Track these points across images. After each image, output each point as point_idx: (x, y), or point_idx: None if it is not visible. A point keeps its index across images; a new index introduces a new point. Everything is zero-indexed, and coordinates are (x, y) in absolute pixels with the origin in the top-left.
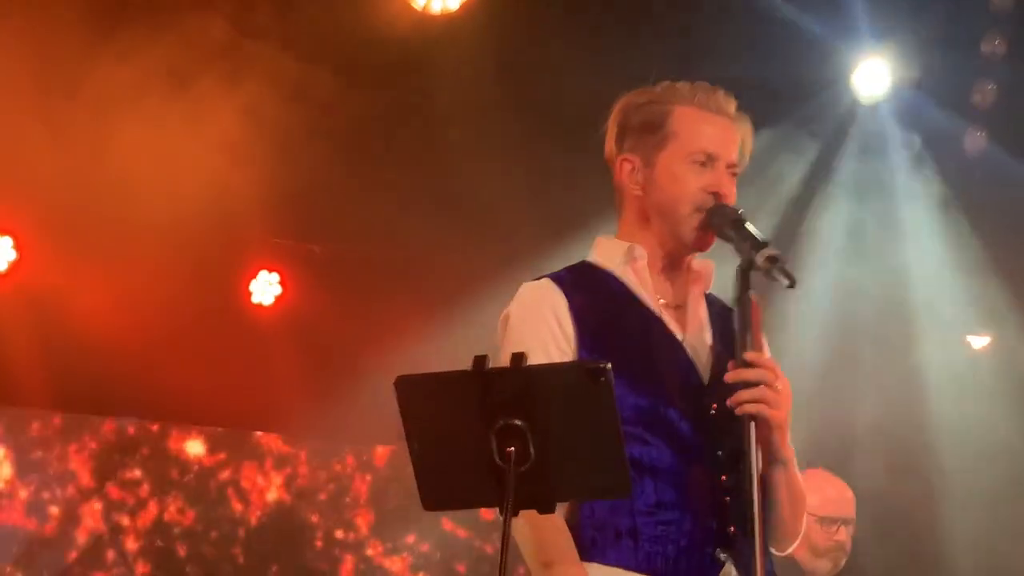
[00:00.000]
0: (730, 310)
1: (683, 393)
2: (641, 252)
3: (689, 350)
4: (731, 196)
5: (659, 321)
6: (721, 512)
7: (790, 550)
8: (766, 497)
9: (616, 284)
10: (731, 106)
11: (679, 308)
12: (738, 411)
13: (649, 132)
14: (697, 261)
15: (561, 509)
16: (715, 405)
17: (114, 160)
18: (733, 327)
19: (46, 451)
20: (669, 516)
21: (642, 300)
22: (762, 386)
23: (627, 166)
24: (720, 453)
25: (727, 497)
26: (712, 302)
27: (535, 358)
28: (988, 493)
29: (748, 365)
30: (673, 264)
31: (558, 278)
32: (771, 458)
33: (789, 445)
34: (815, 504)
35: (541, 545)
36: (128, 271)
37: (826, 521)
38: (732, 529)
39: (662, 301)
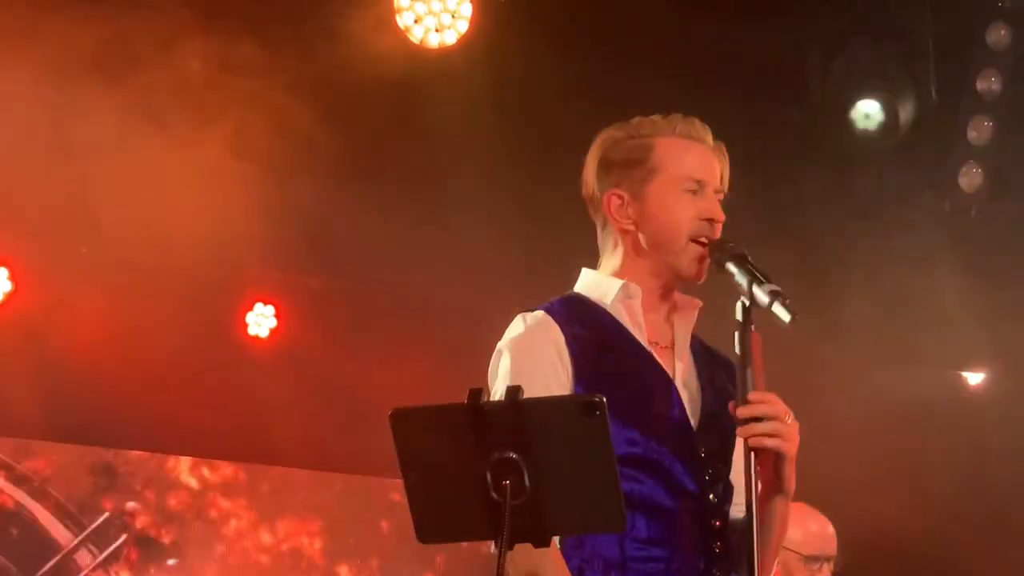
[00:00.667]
0: (715, 353)
1: (675, 434)
2: (636, 290)
3: (680, 390)
4: (722, 220)
5: (652, 360)
6: (709, 555)
7: None
8: (760, 533)
9: (609, 320)
10: (708, 135)
11: (668, 348)
12: (753, 443)
13: (634, 167)
14: (683, 298)
15: None
16: (703, 448)
17: (110, 191)
18: (721, 368)
19: (39, 481)
20: (658, 552)
21: (635, 338)
22: (776, 421)
23: (616, 201)
24: (712, 497)
25: (717, 540)
26: (696, 340)
27: (534, 391)
28: (979, 530)
29: (752, 402)
30: (663, 299)
31: (552, 310)
32: (777, 492)
33: (793, 481)
34: (798, 541)
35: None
36: (124, 302)
37: (810, 560)
38: (717, 573)
39: (652, 340)
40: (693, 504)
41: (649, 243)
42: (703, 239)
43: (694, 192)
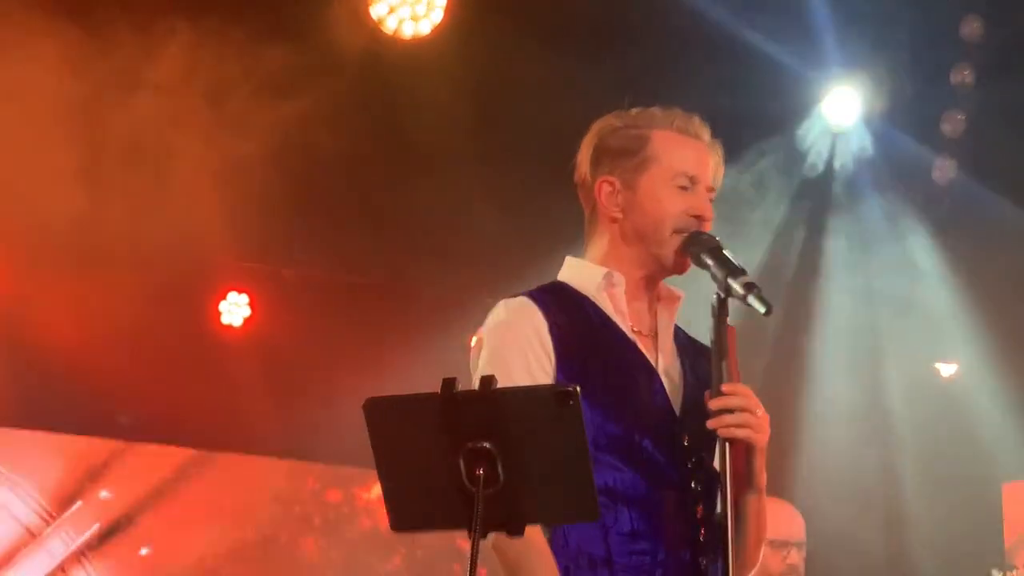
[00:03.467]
0: (695, 341)
1: (657, 422)
2: (619, 279)
3: (663, 379)
4: (711, 219)
5: (635, 349)
6: (694, 545)
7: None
8: (737, 524)
9: (592, 308)
10: (706, 133)
11: (651, 337)
12: (723, 433)
13: (628, 156)
14: (666, 288)
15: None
16: (687, 436)
17: (83, 180)
18: (703, 357)
19: (13, 469)
20: (643, 546)
21: (618, 326)
22: (746, 412)
23: (607, 188)
24: (695, 485)
25: (702, 529)
26: (677, 332)
27: (518, 378)
28: (952, 520)
29: (726, 393)
30: (647, 289)
31: (535, 297)
32: (749, 484)
33: (764, 473)
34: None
35: (524, 569)
36: (97, 291)
37: (778, 545)
38: (704, 562)
39: (635, 328)
40: (676, 493)
41: (635, 233)
42: (686, 232)
43: (685, 188)
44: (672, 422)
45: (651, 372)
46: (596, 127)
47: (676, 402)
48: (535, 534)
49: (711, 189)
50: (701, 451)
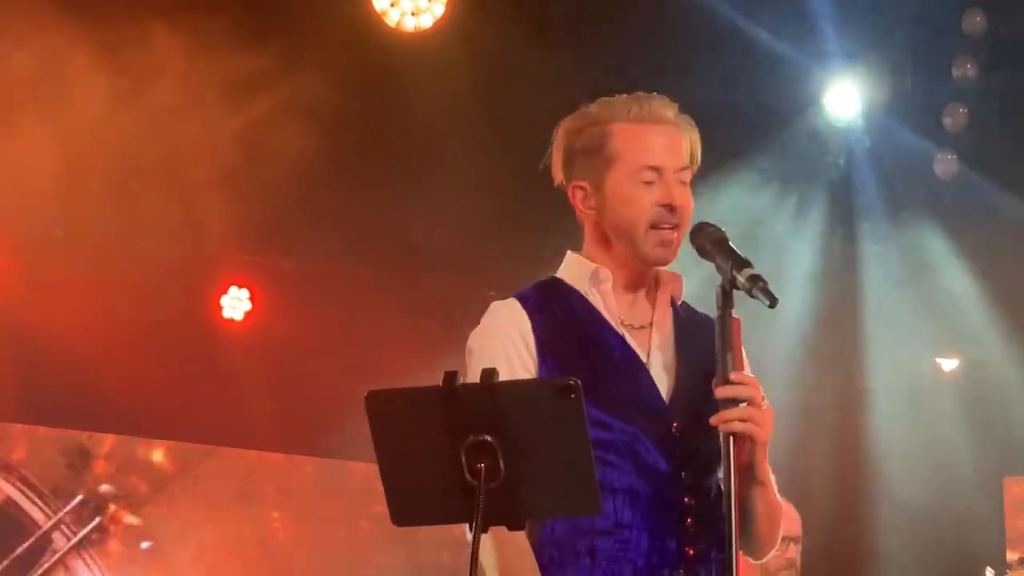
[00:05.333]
0: (702, 320)
1: (645, 415)
2: (606, 275)
3: (652, 370)
4: (686, 203)
5: (622, 343)
6: (682, 534)
7: (765, 559)
8: (743, 516)
9: (582, 303)
10: (670, 111)
11: (643, 328)
12: (723, 428)
13: (592, 155)
14: (665, 272)
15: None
16: (675, 424)
17: (84, 176)
18: (703, 340)
19: (14, 463)
20: (627, 536)
21: (607, 322)
22: (750, 405)
23: (579, 193)
24: (684, 475)
25: (689, 519)
26: (679, 313)
27: (500, 376)
28: (953, 514)
29: (732, 383)
30: (638, 282)
31: (523, 297)
32: (751, 478)
33: (768, 466)
34: None
35: (505, 567)
36: (99, 285)
37: None
38: (691, 551)
39: (626, 322)
40: (663, 483)
41: (614, 232)
42: (664, 225)
43: (651, 182)
44: (660, 412)
45: (640, 365)
46: (560, 131)
47: (666, 391)
48: (517, 534)
49: (683, 169)
50: (692, 440)
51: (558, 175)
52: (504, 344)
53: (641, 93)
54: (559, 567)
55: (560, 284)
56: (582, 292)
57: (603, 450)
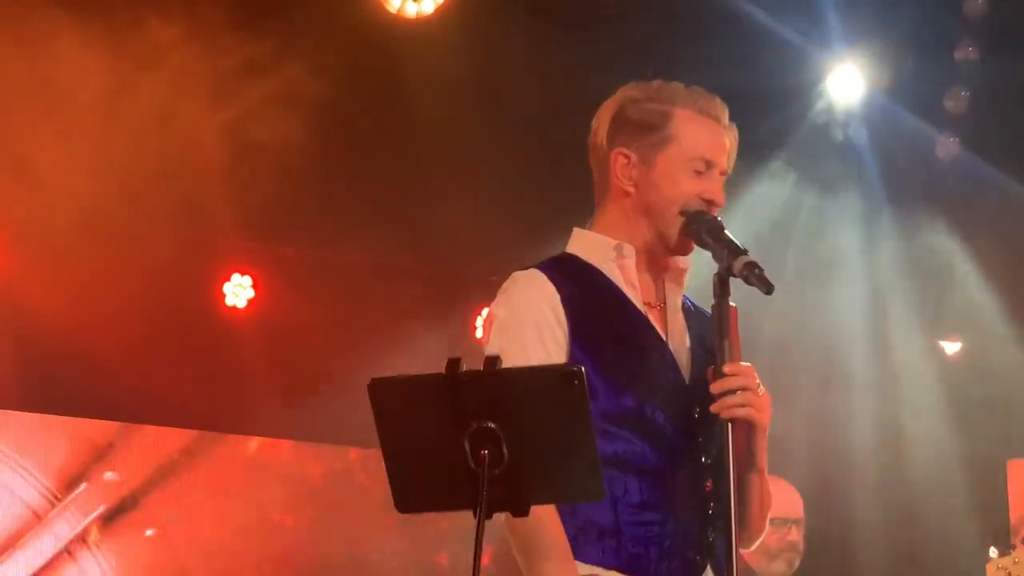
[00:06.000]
0: (703, 312)
1: (668, 395)
2: (630, 250)
3: (672, 351)
4: (722, 204)
5: (646, 321)
6: (703, 517)
7: (753, 547)
8: (740, 500)
9: (603, 280)
10: (725, 115)
11: (660, 308)
12: (724, 414)
13: (648, 131)
14: (673, 259)
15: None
16: (698, 409)
17: (86, 163)
18: (710, 330)
19: (18, 452)
20: (652, 517)
21: (629, 299)
22: (747, 391)
23: (622, 160)
24: (705, 459)
25: (711, 502)
26: (684, 302)
27: (532, 351)
28: (956, 497)
29: (727, 374)
30: (654, 261)
31: (546, 268)
32: (750, 464)
33: (765, 453)
34: None
35: (535, 546)
36: (102, 273)
37: (777, 523)
38: (712, 536)
39: (646, 301)
40: (686, 466)
41: (645, 208)
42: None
43: (701, 172)
44: (683, 394)
45: (662, 344)
46: (618, 96)
47: (687, 374)
48: (546, 512)
49: (724, 173)
50: (711, 424)
51: (599, 136)
52: (534, 315)
53: (701, 88)
54: (582, 546)
55: (575, 259)
56: (601, 267)
57: (627, 428)
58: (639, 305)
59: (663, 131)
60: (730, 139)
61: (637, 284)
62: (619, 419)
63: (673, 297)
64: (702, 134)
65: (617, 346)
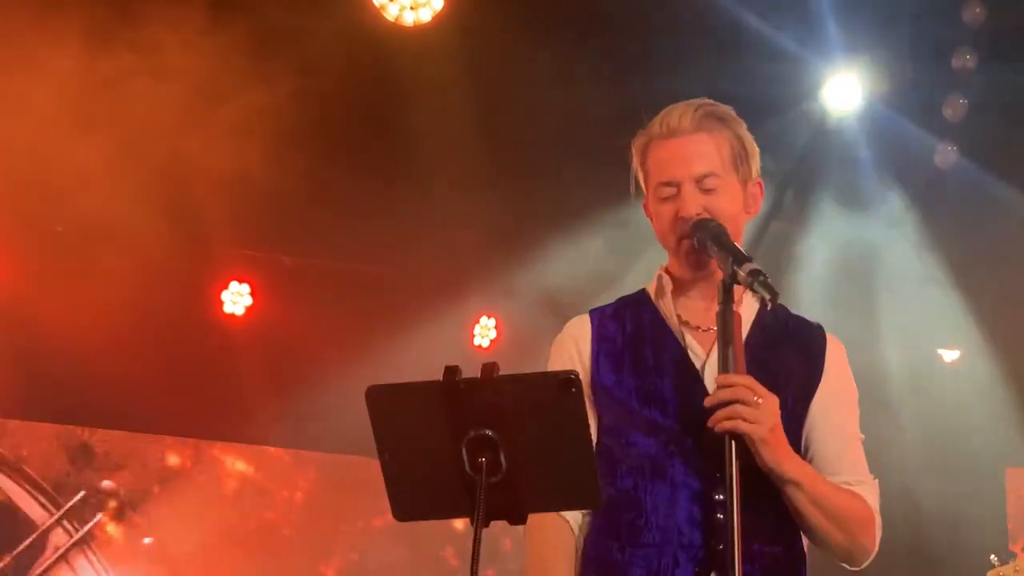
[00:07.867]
0: (790, 323)
1: (690, 417)
2: (666, 281)
3: (707, 374)
4: (717, 208)
5: (676, 344)
6: (709, 528)
7: (864, 564)
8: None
9: (650, 310)
10: (685, 119)
11: (707, 331)
12: (717, 428)
13: (641, 172)
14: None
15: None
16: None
17: (84, 171)
18: (784, 344)
19: (16, 460)
20: (658, 522)
21: (667, 326)
22: (738, 403)
23: (646, 209)
24: (719, 474)
25: (719, 515)
26: (765, 318)
27: None
28: (955, 504)
29: (720, 386)
30: (693, 286)
31: (606, 306)
32: (778, 479)
33: (793, 462)
34: None
35: (536, 556)
36: (100, 281)
37: None
38: (721, 547)
39: (692, 324)
40: (698, 477)
41: (663, 246)
42: (685, 236)
43: (667, 198)
44: (702, 415)
45: (692, 370)
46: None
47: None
48: (560, 535)
49: (705, 176)
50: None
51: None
52: (563, 356)
53: (675, 105)
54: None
55: (641, 294)
56: (657, 301)
57: (645, 437)
58: (675, 331)
59: (643, 169)
60: (709, 137)
61: (673, 312)
62: (640, 427)
63: (748, 315)
64: (661, 157)
65: (642, 375)
